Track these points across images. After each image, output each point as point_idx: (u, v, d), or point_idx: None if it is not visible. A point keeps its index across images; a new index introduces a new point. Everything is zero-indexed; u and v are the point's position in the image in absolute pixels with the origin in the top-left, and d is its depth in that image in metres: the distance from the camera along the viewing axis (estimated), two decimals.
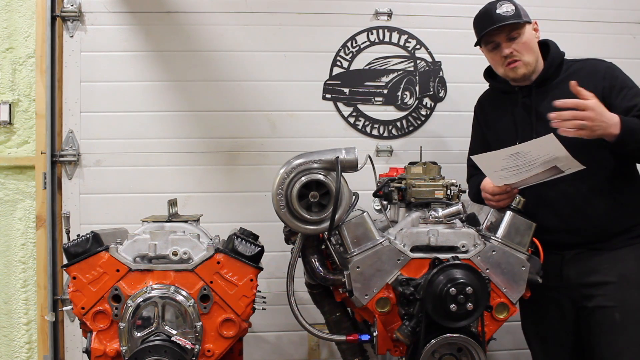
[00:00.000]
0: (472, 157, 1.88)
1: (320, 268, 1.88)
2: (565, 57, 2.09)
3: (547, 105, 2.01)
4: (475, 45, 2.12)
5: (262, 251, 1.83)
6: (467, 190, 2.24)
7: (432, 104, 2.89)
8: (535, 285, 1.84)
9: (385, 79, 2.86)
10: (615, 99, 1.93)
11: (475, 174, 2.18)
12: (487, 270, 1.76)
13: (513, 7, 2.00)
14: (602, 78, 1.97)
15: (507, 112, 2.13)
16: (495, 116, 2.19)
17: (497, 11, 2.00)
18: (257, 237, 1.93)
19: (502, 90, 2.17)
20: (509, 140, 2.06)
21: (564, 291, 2.01)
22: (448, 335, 1.67)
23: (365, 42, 2.85)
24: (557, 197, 1.98)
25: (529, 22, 2.03)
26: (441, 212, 1.89)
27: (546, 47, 2.08)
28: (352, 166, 1.78)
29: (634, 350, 1.90)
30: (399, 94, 2.86)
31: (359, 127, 2.85)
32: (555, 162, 1.77)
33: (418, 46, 2.88)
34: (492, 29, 1.99)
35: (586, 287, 1.97)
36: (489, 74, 2.22)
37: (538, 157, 1.77)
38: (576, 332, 2.04)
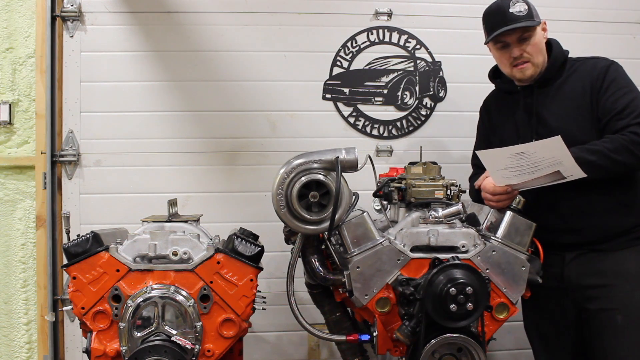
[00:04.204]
0: (476, 152, 1.87)
1: (320, 268, 1.88)
2: (570, 56, 2.07)
3: (548, 107, 2.00)
4: (485, 43, 2.07)
5: (262, 251, 1.83)
6: (468, 189, 2.22)
7: (432, 104, 2.88)
8: (537, 285, 1.83)
9: (385, 79, 2.86)
10: (601, 99, 1.93)
11: (477, 173, 2.18)
12: (487, 270, 1.76)
13: (526, 7, 1.95)
14: (597, 77, 1.95)
15: (510, 113, 2.12)
16: (499, 119, 2.18)
17: (510, 10, 1.94)
18: (257, 237, 1.93)
19: (506, 90, 2.15)
20: (511, 142, 2.04)
21: (565, 292, 2.00)
22: (448, 335, 1.67)
23: (365, 42, 2.85)
24: (558, 195, 1.95)
25: (539, 23, 1.99)
26: (441, 212, 1.89)
27: (549, 46, 2.05)
28: (352, 166, 1.78)
29: (638, 353, 1.89)
30: (399, 94, 2.86)
31: (359, 127, 2.85)
32: (558, 166, 1.76)
33: (418, 46, 2.88)
34: (504, 31, 1.94)
35: (588, 288, 1.95)
36: (494, 73, 2.19)
37: (543, 159, 1.76)
38: (577, 333, 2.02)
